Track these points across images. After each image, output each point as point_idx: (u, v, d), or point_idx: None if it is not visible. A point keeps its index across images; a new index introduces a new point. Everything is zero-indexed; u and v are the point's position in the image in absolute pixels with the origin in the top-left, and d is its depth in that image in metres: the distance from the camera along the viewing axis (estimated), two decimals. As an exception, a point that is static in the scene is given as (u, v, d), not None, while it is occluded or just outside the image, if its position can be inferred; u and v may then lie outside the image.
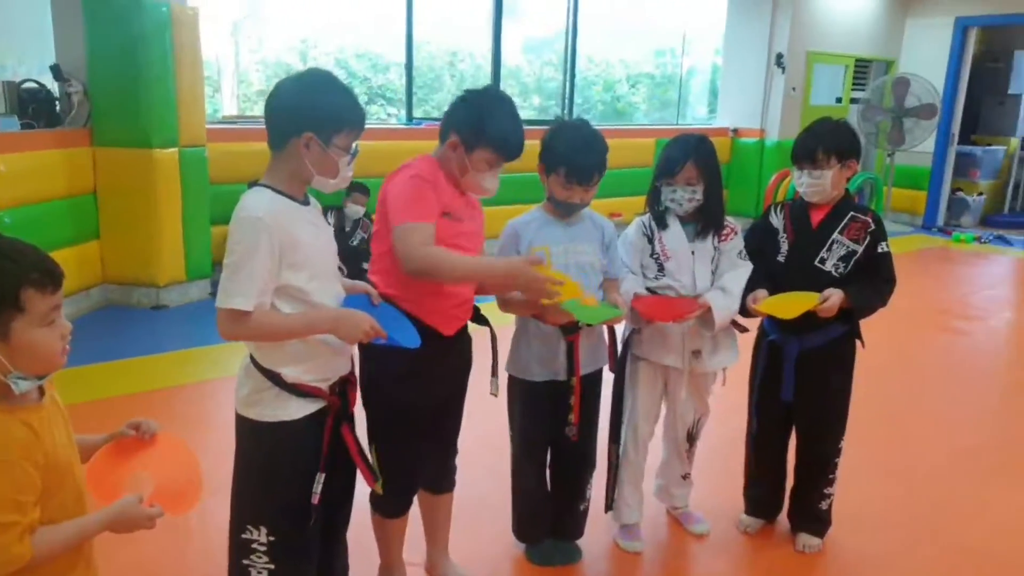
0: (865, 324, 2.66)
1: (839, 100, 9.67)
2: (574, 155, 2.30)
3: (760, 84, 9.19)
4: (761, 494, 2.89)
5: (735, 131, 9.42)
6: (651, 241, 2.59)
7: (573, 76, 8.68)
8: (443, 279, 2.08)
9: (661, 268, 2.57)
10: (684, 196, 2.52)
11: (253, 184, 1.79)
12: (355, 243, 5.71)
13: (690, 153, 2.50)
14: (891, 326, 5.45)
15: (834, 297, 2.48)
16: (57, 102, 5.23)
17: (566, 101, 8.70)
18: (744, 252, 2.63)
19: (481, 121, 2.11)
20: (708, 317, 2.49)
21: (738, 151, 9.42)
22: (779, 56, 8.98)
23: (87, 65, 5.12)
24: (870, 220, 2.59)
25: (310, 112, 1.75)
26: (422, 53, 9.31)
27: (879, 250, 2.58)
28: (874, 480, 3.31)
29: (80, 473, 1.47)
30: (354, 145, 1.83)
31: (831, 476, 2.74)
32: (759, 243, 2.70)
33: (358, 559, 2.31)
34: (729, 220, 2.63)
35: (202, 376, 4.25)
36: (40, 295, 1.30)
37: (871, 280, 2.56)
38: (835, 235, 2.58)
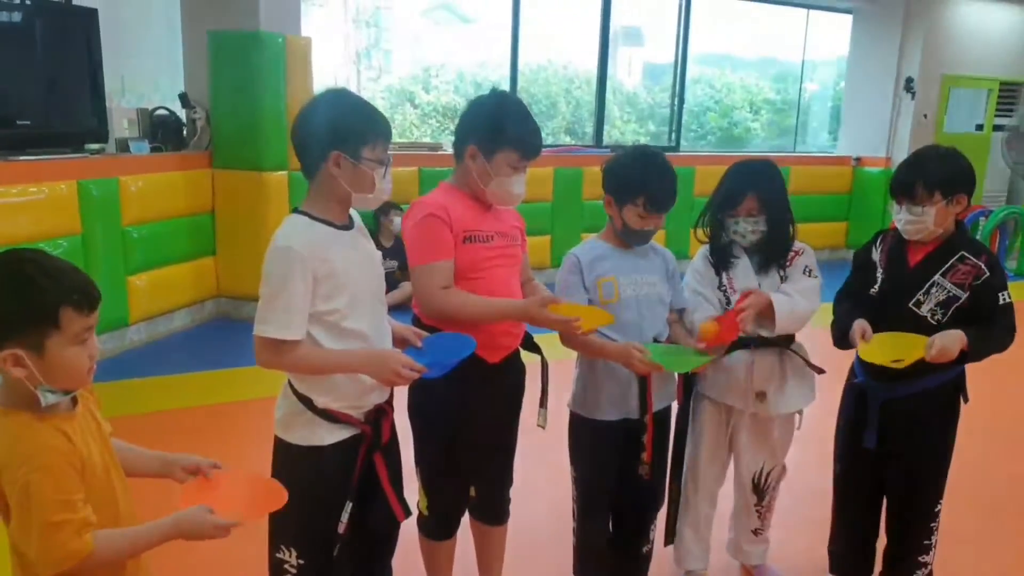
0: (982, 376, 2.36)
1: (980, 127, 8.99)
2: (652, 184, 2.23)
3: (887, 110, 8.66)
4: (844, 552, 2.64)
5: (858, 159, 8.92)
6: (717, 273, 2.45)
7: (682, 102, 8.50)
8: (458, 322, 2.05)
9: (728, 303, 2.42)
10: (747, 228, 2.39)
11: (294, 211, 1.81)
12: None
13: (749, 185, 2.38)
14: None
15: (949, 340, 2.15)
16: (184, 128, 5.61)
17: (673, 126, 8.52)
18: (809, 269, 2.44)
19: (495, 122, 2.07)
20: (769, 314, 2.32)
21: (860, 181, 8.89)
22: (908, 80, 8.45)
23: (210, 93, 5.47)
24: (983, 265, 2.26)
25: (331, 132, 1.74)
26: (539, 79, 9.34)
27: (1000, 302, 2.26)
28: (991, 554, 2.95)
29: (119, 481, 1.50)
30: (388, 155, 1.81)
31: (926, 543, 2.45)
32: (856, 274, 2.49)
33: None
34: (797, 244, 2.47)
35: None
36: (77, 315, 1.35)
37: (988, 328, 2.25)
38: (936, 277, 2.30)
